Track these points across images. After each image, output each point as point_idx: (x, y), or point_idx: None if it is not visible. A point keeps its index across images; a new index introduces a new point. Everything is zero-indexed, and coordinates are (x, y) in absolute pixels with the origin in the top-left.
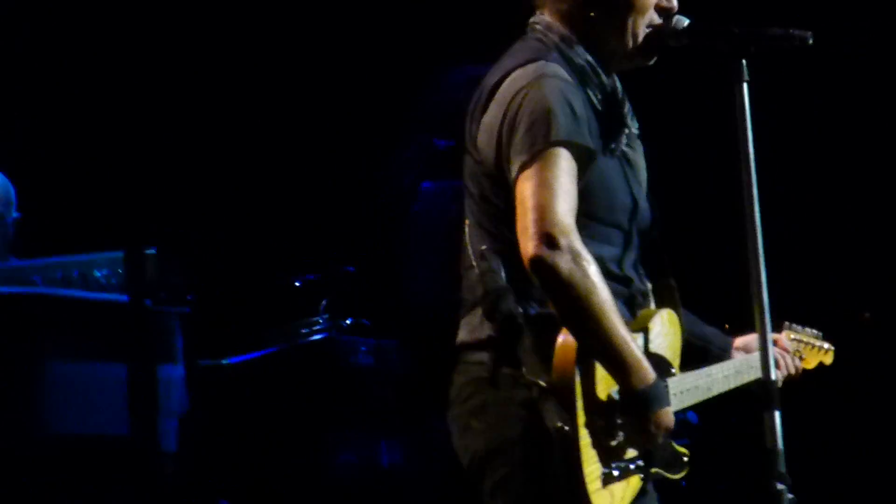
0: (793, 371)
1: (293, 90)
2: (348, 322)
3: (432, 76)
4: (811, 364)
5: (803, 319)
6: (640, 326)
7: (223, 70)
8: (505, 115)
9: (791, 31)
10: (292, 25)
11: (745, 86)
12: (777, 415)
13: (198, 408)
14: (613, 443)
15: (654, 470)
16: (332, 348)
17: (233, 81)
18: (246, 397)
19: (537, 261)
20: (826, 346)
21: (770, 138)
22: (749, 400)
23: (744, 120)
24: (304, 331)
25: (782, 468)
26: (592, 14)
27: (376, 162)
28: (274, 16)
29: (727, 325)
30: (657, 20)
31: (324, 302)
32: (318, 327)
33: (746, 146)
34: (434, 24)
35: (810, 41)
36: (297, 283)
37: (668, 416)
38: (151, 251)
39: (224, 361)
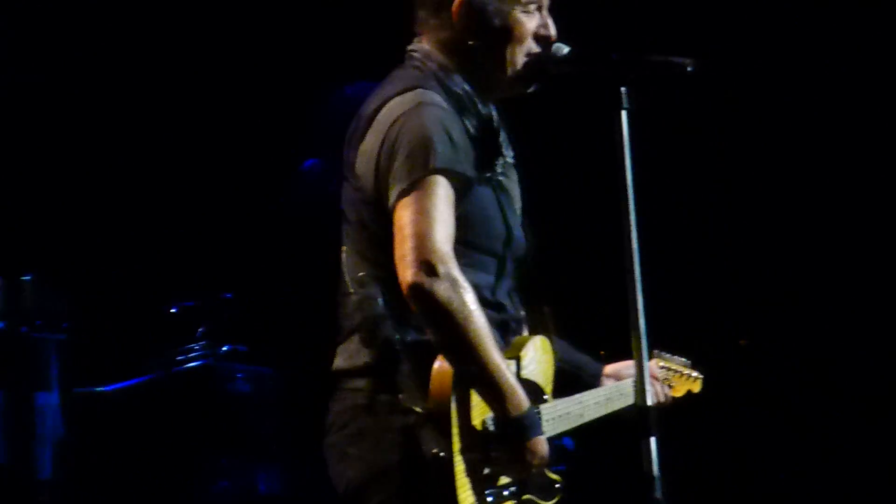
0: (662, 399)
1: (174, 117)
2: (225, 349)
3: (326, 93)
4: (680, 392)
5: (680, 346)
6: (514, 353)
7: (99, 98)
8: (383, 142)
9: (671, 58)
10: (180, 46)
11: (624, 113)
12: (653, 441)
13: (73, 435)
14: (488, 470)
15: (526, 496)
16: (209, 375)
17: (113, 109)
18: (122, 424)
19: (415, 288)
20: (695, 374)
21: (649, 164)
22: (624, 426)
23: (622, 147)
24: (180, 358)
25: (659, 494)
26: (471, 43)
27: (256, 187)
28: (161, 35)
29: (602, 352)
30: (535, 49)
31: (201, 329)
32: (194, 354)
33: (625, 173)
34: (322, 45)
35: (690, 69)
36: (173, 310)
37: (541, 443)
38: (27, 278)
39: (100, 388)
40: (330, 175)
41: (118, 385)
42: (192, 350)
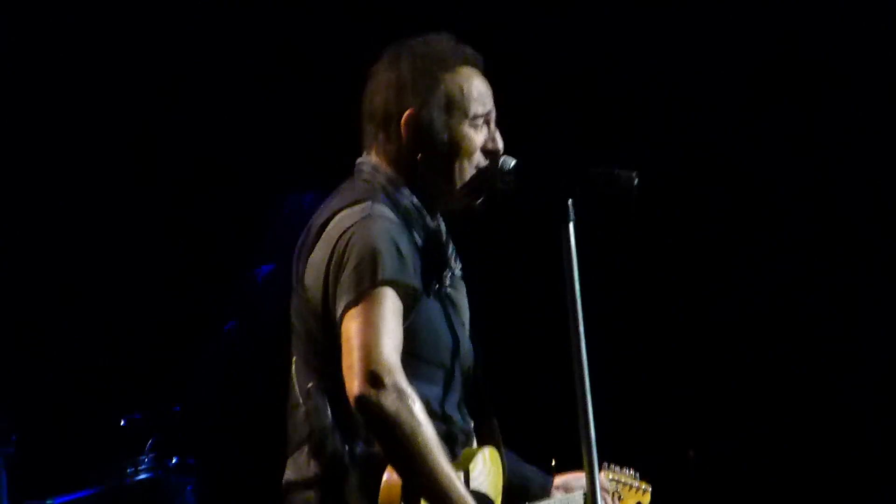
0: None
1: (126, 219)
2: (174, 461)
3: (282, 202)
4: None
5: (627, 458)
6: (463, 466)
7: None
8: (332, 254)
9: (616, 171)
10: (136, 144)
11: (570, 226)
12: None
13: None
14: None
15: None
16: (157, 488)
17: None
18: None
19: (362, 399)
20: (644, 486)
21: (598, 275)
22: None
23: (570, 259)
24: (129, 470)
25: None
26: (419, 157)
27: (201, 296)
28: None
29: (553, 462)
30: (483, 162)
31: (150, 441)
32: (143, 466)
33: (573, 285)
34: (281, 153)
35: (636, 181)
36: (122, 423)
37: None
38: None
39: (49, 502)
40: (285, 280)
41: (68, 497)
42: (141, 462)
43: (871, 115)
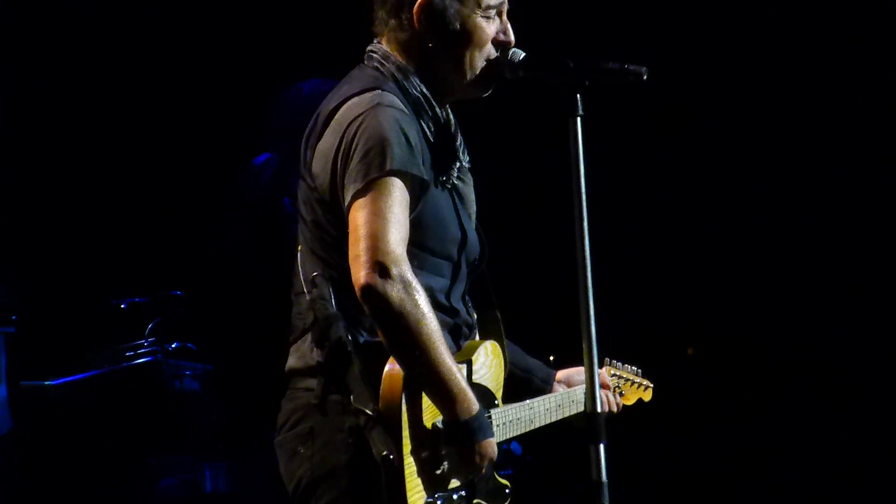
0: (613, 407)
1: (126, 107)
2: (174, 346)
3: (281, 90)
4: (631, 400)
5: (629, 355)
6: (465, 357)
7: (44, 90)
8: (340, 142)
9: (627, 65)
10: (135, 40)
11: (578, 120)
12: (602, 448)
13: (21, 428)
14: (438, 472)
15: (476, 501)
16: (157, 372)
17: (64, 93)
18: (70, 419)
19: (368, 289)
20: (646, 382)
21: (604, 171)
22: (573, 433)
23: (577, 153)
24: (129, 354)
25: (606, 501)
26: (430, 45)
27: (209, 183)
28: (116, 30)
29: (552, 357)
30: (494, 54)
31: (150, 325)
32: (143, 350)
33: (579, 179)
34: (281, 40)
35: (645, 76)
36: (123, 306)
37: (491, 447)
38: None
39: (48, 382)
40: (283, 170)
41: (66, 379)
42: (141, 346)
43: None
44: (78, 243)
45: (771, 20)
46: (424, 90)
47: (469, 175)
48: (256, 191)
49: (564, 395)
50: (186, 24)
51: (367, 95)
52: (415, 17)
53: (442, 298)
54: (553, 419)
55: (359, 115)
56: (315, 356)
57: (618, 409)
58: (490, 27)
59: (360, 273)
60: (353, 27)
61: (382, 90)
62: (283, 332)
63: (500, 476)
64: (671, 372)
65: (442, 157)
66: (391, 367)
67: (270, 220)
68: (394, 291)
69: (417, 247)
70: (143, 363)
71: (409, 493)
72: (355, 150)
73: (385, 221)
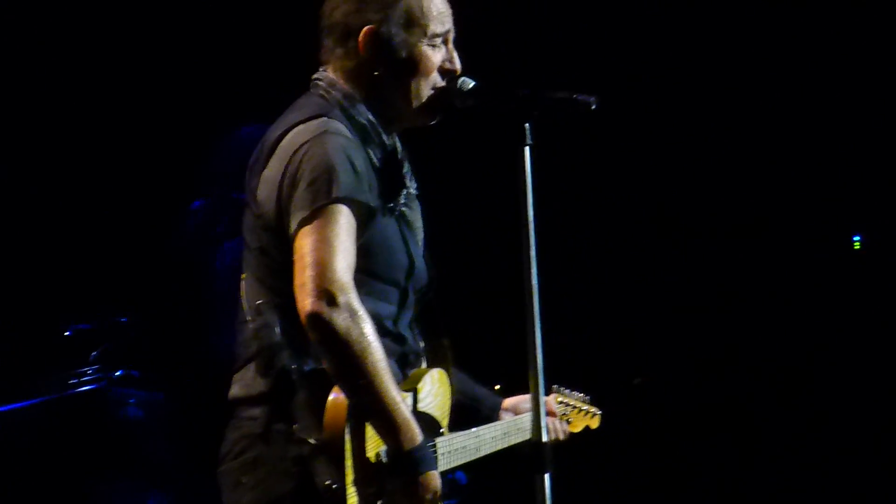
0: (560, 435)
1: (80, 136)
2: (119, 374)
3: (222, 133)
4: (578, 428)
5: (576, 382)
6: (411, 386)
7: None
8: (286, 169)
9: (576, 95)
10: (87, 77)
11: (527, 149)
12: (547, 477)
13: None
14: (381, 502)
15: None
16: (101, 399)
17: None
18: (14, 446)
19: (314, 317)
20: (593, 410)
21: (553, 199)
22: (519, 461)
23: (525, 182)
24: (73, 381)
25: None
26: (377, 74)
27: (160, 215)
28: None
29: (497, 386)
30: (440, 82)
31: (95, 352)
32: (88, 378)
33: (527, 208)
34: (224, 82)
35: (594, 107)
36: (67, 333)
37: (434, 478)
38: None
39: None
40: (214, 214)
41: (9, 407)
42: (86, 373)
43: None
44: (23, 269)
45: (719, 51)
46: (371, 117)
47: (417, 202)
48: (189, 235)
49: (511, 423)
50: (127, 65)
51: (314, 123)
52: (361, 45)
53: (389, 325)
54: (499, 447)
55: (305, 143)
56: (259, 385)
57: (565, 436)
58: (436, 55)
59: (306, 301)
60: (289, 72)
61: (329, 117)
62: (229, 361)
63: None
64: (619, 400)
65: (389, 183)
66: (336, 396)
67: (199, 263)
68: (340, 319)
69: (365, 273)
70: (87, 390)
71: None
72: (301, 177)
73: (331, 249)
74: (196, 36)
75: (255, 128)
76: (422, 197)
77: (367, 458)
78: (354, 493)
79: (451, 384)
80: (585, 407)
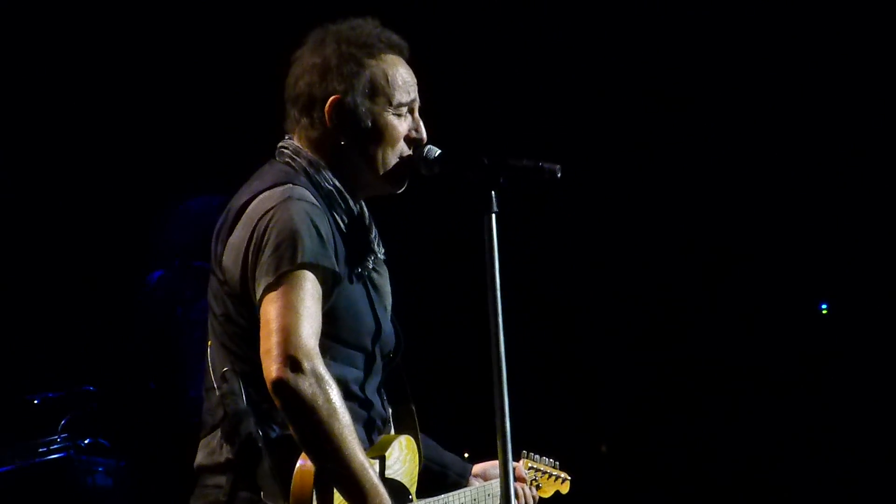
0: (530, 501)
1: (43, 208)
2: (87, 442)
3: (171, 205)
4: (548, 493)
5: (542, 449)
6: (379, 452)
7: None
8: (252, 236)
9: (541, 163)
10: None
11: (493, 216)
12: None
13: None
14: None
15: None
16: (69, 468)
17: None
18: None
19: (280, 383)
20: (563, 475)
21: (520, 266)
22: None
23: (492, 249)
24: (42, 450)
25: None
26: (342, 143)
27: (126, 282)
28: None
29: (466, 454)
30: (406, 151)
31: (63, 421)
32: (56, 446)
33: (493, 274)
34: (178, 153)
35: (559, 174)
36: (35, 401)
37: None
38: None
39: None
40: (176, 284)
41: None
42: (54, 442)
43: None
44: None
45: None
46: (337, 184)
47: (384, 267)
48: (151, 308)
49: (480, 490)
50: (82, 134)
51: (278, 189)
52: (326, 115)
53: (356, 390)
54: None
55: (270, 209)
56: (225, 452)
57: (534, 502)
58: (402, 124)
59: (271, 367)
60: (243, 143)
61: (293, 184)
62: (196, 429)
63: None
64: (585, 466)
65: (356, 249)
66: (303, 463)
67: (165, 334)
68: (305, 386)
69: (331, 338)
70: (55, 459)
71: None
72: (266, 243)
73: (297, 315)
74: (148, 108)
75: (205, 200)
76: (389, 262)
77: None
78: None
79: (419, 450)
80: (555, 472)
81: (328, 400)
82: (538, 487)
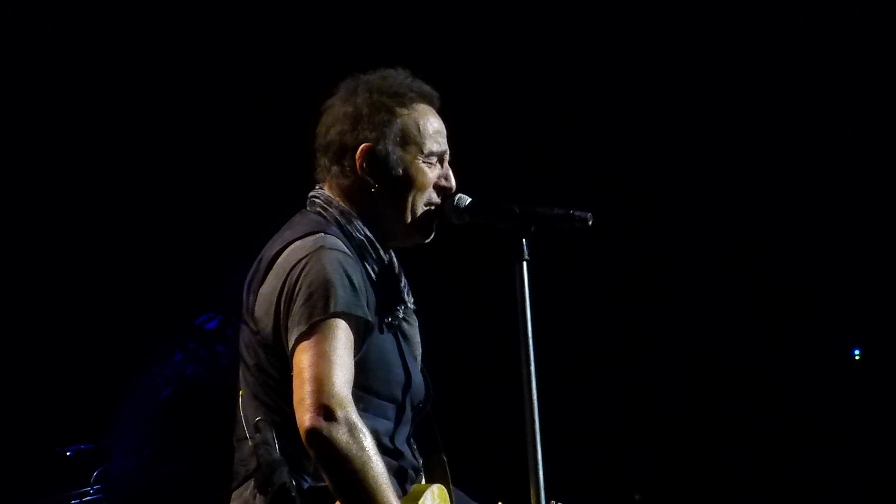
0: None
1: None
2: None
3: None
4: None
5: (575, 498)
6: (412, 502)
7: None
8: (284, 285)
9: (572, 211)
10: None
11: (524, 264)
12: None
13: None
14: None
15: None
16: None
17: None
18: None
19: (314, 433)
20: None
21: (551, 312)
22: None
23: (523, 297)
24: (75, 502)
25: None
26: (373, 191)
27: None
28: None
29: (500, 503)
30: (436, 199)
31: (96, 473)
32: (89, 498)
33: (525, 322)
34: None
35: (590, 222)
36: (68, 454)
37: None
38: None
39: None
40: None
41: None
42: (87, 493)
43: None
44: (23, 391)
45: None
46: (368, 233)
47: (414, 316)
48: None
49: None
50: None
51: (310, 239)
52: (357, 163)
53: (387, 441)
54: None
55: (302, 259)
56: (258, 502)
57: None
58: (432, 173)
59: (304, 416)
60: (273, 196)
61: (325, 233)
62: (227, 479)
63: None
64: None
65: (387, 298)
66: None
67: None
68: (339, 435)
69: (362, 389)
70: None
71: None
72: (299, 292)
73: (330, 364)
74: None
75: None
76: (420, 311)
77: None
78: None
79: (451, 500)
80: None
81: (362, 448)
82: None
